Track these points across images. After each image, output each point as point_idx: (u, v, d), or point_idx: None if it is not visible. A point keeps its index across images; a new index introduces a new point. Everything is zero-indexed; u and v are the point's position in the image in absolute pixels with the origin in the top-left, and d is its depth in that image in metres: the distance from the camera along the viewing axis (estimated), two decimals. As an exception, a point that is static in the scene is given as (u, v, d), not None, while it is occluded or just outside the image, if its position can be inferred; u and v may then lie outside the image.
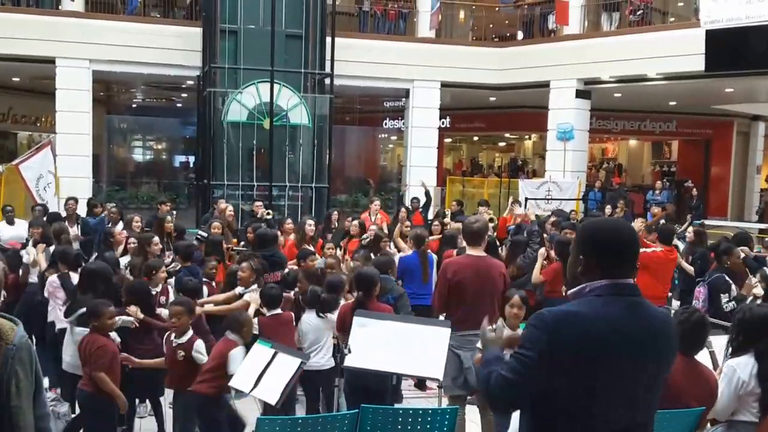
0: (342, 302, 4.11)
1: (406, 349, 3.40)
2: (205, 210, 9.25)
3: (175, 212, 8.16)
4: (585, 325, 1.61)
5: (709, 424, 2.79)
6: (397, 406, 3.94)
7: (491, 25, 15.22)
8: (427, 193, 10.09)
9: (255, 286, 4.48)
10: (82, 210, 8.36)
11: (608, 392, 1.62)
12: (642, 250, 5.35)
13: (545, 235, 6.30)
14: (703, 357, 2.96)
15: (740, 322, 2.82)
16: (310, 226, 6.41)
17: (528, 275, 5.40)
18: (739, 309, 3.00)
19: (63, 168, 10.13)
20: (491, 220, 7.59)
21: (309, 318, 4.11)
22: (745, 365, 2.69)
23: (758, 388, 2.65)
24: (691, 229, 6.77)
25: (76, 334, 3.84)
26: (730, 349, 2.83)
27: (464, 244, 4.18)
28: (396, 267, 5.03)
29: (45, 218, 6.83)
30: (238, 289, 4.53)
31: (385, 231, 7.02)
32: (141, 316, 4.03)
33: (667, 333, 1.72)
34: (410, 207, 9.02)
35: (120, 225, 7.03)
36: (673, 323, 1.79)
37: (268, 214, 7.63)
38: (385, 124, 13.97)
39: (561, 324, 1.63)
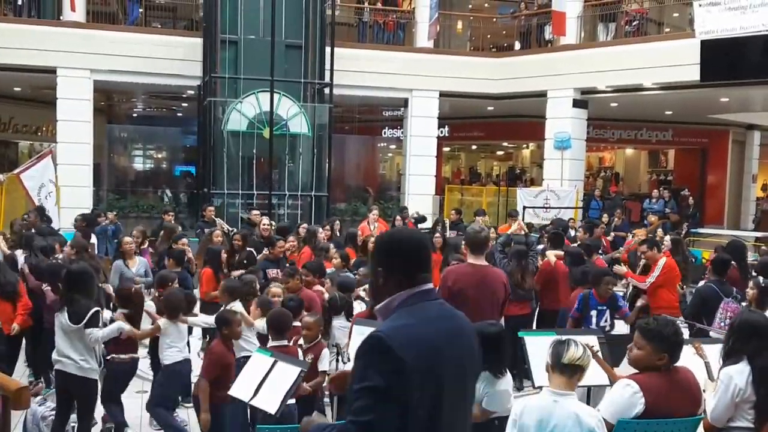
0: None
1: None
2: (202, 217, 9.24)
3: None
4: (421, 336, 1.54)
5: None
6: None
7: (489, 36, 15.36)
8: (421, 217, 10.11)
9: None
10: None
11: (451, 400, 1.58)
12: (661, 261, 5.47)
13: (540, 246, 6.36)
14: (698, 368, 3.00)
15: (732, 327, 2.90)
16: (320, 233, 6.50)
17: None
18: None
19: (64, 177, 10.17)
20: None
21: (340, 322, 4.14)
22: (740, 372, 2.72)
23: (754, 395, 2.68)
24: (667, 237, 6.81)
25: (91, 335, 3.84)
26: (724, 354, 2.88)
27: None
28: None
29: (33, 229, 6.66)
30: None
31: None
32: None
33: (472, 333, 1.72)
34: (400, 217, 8.99)
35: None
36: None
37: (231, 231, 7.63)
38: (384, 133, 14.07)
39: (399, 340, 1.51)
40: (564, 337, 2.57)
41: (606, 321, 4.75)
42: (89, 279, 3.96)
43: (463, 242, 4.57)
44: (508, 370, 3.22)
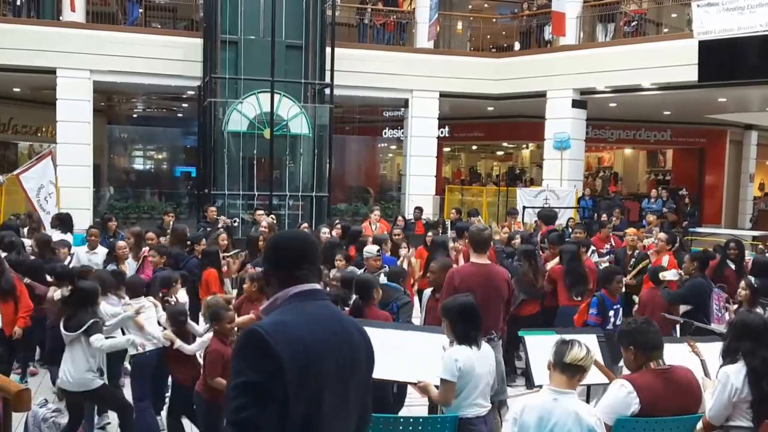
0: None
1: (403, 356, 3.45)
2: (204, 218, 9.28)
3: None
4: (299, 335, 1.53)
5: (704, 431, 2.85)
6: (399, 414, 3.97)
7: (489, 36, 15.41)
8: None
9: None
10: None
11: (332, 401, 1.56)
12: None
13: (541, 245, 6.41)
14: (695, 367, 3.03)
15: (731, 326, 2.97)
16: (325, 234, 6.53)
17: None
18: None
19: (64, 178, 10.17)
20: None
21: None
22: (738, 372, 2.76)
23: (751, 395, 2.73)
24: (662, 235, 6.93)
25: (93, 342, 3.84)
26: (722, 353, 2.93)
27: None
28: (407, 277, 5.07)
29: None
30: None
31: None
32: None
33: (360, 340, 1.69)
34: (413, 217, 9.07)
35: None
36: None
37: (233, 222, 7.67)
38: (385, 133, 14.07)
39: (276, 337, 1.49)
40: (568, 337, 2.59)
41: (620, 320, 4.78)
42: (95, 296, 3.98)
43: (467, 240, 4.58)
44: (472, 345, 3.03)
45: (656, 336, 2.70)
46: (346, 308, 4.06)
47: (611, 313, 4.73)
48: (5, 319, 4.63)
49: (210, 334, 3.76)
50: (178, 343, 3.92)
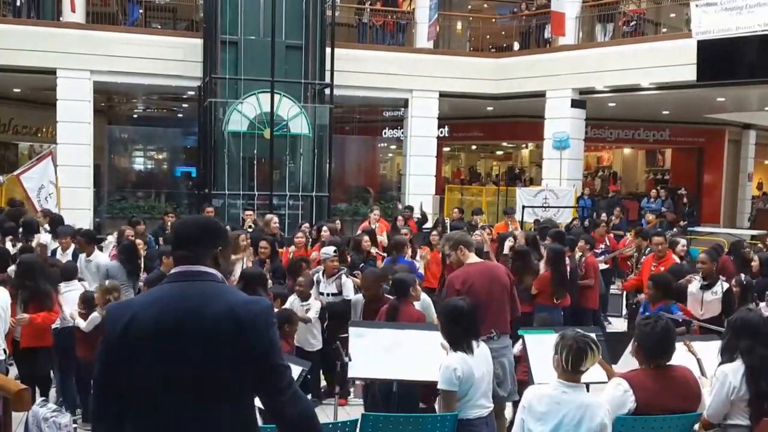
0: None
1: (404, 355, 3.48)
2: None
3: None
4: (125, 313, 1.68)
5: (701, 429, 2.87)
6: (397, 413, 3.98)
7: (488, 36, 15.43)
8: (423, 214, 10.22)
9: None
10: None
11: (148, 376, 1.64)
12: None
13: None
14: (691, 366, 3.06)
15: (729, 325, 2.97)
16: (325, 232, 6.56)
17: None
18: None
19: (64, 178, 10.20)
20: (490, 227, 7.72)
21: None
22: (736, 370, 2.78)
23: (748, 393, 2.74)
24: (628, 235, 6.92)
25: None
26: (720, 352, 2.94)
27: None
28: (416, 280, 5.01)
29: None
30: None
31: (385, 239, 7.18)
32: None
33: (221, 318, 1.66)
34: (403, 216, 9.07)
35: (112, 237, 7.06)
36: (253, 317, 1.69)
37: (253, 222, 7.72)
38: (385, 133, 14.11)
39: (108, 314, 1.75)
40: (580, 342, 2.48)
41: None
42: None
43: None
44: (467, 350, 2.99)
45: (666, 345, 2.69)
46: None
47: None
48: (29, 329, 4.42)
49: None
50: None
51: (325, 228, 6.79)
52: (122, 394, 1.67)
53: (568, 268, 5.77)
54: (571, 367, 2.46)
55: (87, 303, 4.55)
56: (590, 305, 6.31)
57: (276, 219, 7.68)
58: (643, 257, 6.53)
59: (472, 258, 3.95)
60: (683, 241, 6.36)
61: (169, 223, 7.70)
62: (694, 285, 5.04)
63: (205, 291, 1.71)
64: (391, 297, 4.20)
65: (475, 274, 3.83)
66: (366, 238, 6.53)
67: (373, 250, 6.43)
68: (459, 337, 3.03)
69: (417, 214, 9.94)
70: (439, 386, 2.99)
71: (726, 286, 4.91)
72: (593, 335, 3.73)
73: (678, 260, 5.97)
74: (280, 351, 1.75)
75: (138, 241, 6.11)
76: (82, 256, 5.83)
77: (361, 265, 5.80)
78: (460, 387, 2.96)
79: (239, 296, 1.77)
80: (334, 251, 5.25)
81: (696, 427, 2.83)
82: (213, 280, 1.75)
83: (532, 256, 5.74)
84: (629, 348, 2.87)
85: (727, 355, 2.87)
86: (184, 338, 1.65)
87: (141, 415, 1.68)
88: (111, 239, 6.74)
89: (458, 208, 10.15)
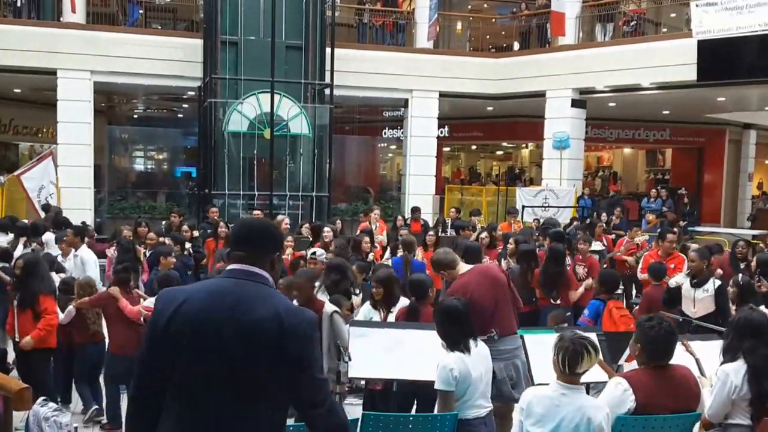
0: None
1: (405, 355, 3.47)
2: (205, 218, 9.33)
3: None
4: (177, 300, 1.72)
5: (702, 429, 2.87)
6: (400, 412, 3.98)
7: (488, 36, 15.43)
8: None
9: None
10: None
11: (189, 368, 1.67)
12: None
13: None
14: (690, 365, 3.05)
15: (732, 324, 2.96)
16: (327, 233, 6.56)
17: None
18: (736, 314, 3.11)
19: (64, 178, 10.22)
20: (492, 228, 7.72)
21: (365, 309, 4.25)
22: (737, 370, 2.78)
23: (749, 393, 2.74)
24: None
25: None
26: (722, 351, 2.94)
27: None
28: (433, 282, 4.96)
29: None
30: None
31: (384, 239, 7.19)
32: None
33: (267, 322, 1.68)
34: (409, 216, 9.10)
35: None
36: (288, 321, 1.71)
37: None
38: (385, 133, 14.11)
39: (159, 298, 1.79)
40: (577, 344, 2.48)
41: None
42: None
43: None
44: (464, 350, 2.99)
45: (670, 346, 2.70)
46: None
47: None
48: (21, 329, 4.39)
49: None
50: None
51: (327, 229, 6.77)
52: (163, 385, 1.71)
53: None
54: (567, 369, 2.46)
55: (65, 292, 4.77)
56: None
57: (287, 220, 7.67)
58: (645, 253, 6.58)
59: (463, 267, 3.91)
60: (695, 246, 6.42)
61: (176, 223, 7.72)
62: (678, 280, 5.09)
63: (256, 292, 1.74)
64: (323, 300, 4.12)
65: (472, 282, 3.75)
66: (366, 239, 6.52)
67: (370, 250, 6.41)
68: (456, 337, 3.03)
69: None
70: (436, 386, 2.99)
71: (718, 283, 4.92)
72: (594, 335, 3.76)
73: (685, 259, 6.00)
74: (319, 364, 1.79)
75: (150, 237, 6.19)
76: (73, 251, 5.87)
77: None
78: (457, 387, 2.96)
79: (287, 303, 1.80)
80: (319, 254, 5.29)
81: (696, 427, 2.83)
82: (264, 283, 1.79)
83: (536, 256, 5.75)
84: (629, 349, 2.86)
85: (729, 355, 2.86)
86: (226, 335, 1.67)
87: (182, 410, 1.69)
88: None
89: (455, 208, 10.14)
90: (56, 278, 5.04)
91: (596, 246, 6.82)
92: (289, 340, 1.69)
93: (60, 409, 4.19)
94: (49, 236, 6.66)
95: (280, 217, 7.72)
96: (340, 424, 1.77)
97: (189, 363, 1.67)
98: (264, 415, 1.70)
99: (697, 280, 4.99)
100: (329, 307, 3.91)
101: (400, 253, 6.02)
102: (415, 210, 9.66)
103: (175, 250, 6.06)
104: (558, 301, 5.43)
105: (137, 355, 1.80)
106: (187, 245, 6.61)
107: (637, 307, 5.54)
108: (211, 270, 6.10)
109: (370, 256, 6.30)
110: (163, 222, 8.47)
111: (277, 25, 10.33)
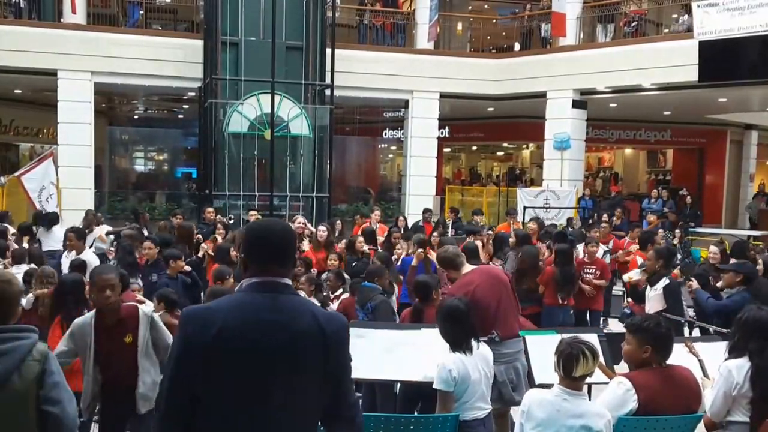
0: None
1: (405, 355, 3.46)
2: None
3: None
4: (214, 319, 1.61)
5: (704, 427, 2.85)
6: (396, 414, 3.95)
7: (489, 37, 15.42)
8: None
9: None
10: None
11: (237, 384, 1.61)
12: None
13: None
14: (693, 367, 3.04)
15: (739, 323, 2.92)
16: (322, 231, 6.54)
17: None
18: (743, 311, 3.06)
19: (65, 179, 10.21)
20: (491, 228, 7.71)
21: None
22: (740, 367, 2.76)
23: (751, 391, 2.72)
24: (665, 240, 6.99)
25: None
26: (728, 349, 2.91)
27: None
28: (387, 276, 4.91)
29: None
30: None
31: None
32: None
33: (311, 333, 1.66)
34: (422, 218, 9.12)
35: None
36: (331, 328, 1.70)
37: (230, 219, 7.70)
38: (385, 134, 14.10)
39: (191, 319, 1.64)
40: (574, 347, 2.48)
41: None
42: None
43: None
44: (465, 351, 2.99)
45: (671, 345, 2.73)
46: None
47: None
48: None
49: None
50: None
51: (322, 228, 6.73)
52: (196, 398, 1.62)
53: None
54: (563, 373, 2.46)
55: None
56: (596, 306, 6.34)
57: (301, 220, 7.61)
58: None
59: (466, 267, 3.91)
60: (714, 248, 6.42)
61: (177, 225, 7.69)
62: (631, 275, 5.24)
63: (294, 305, 1.70)
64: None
65: (476, 281, 3.76)
66: (360, 239, 6.54)
67: (366, 248, 6.39)
68: (458, 338, 3.02)
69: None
70: (434, 386, 2.99)
71: (667, 281, 5.01)
72: (595, 336, 3.73)
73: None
74: (351, 373, 1.80)
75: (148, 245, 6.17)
76: (72, 254, 5.84)
77: (354, 264, 5.81)
78: (456, 388, 2.95)
79: (321, 309, 1.80)
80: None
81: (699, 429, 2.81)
82: (295, 294, 1.74)
83: (538, 256, 5.75)
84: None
85: (734, 354, 2.83)
86: (273, 352, 1.63)
87: (219, 425, 1.63)
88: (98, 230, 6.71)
89: (452, 209, 10.15)
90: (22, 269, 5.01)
91: (602, 248, 6.82)
92: (330, 347, 1.69)
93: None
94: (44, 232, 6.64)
95: (300, 220, 7.56)
96: (361, 424, 1.84)
97: (233, 379, 1.61)
98: (311, 424, 1.74)
99: (650, 279, 5.11)
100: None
101: (411, 251, 6.01)
102: (426, 211, 9.63)
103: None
104: (565, 302, 5.42)
105: (166, 375, 1.68)
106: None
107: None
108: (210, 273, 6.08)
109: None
110: (160, 223, 8.42)
111: (277, 25, 10.32)
